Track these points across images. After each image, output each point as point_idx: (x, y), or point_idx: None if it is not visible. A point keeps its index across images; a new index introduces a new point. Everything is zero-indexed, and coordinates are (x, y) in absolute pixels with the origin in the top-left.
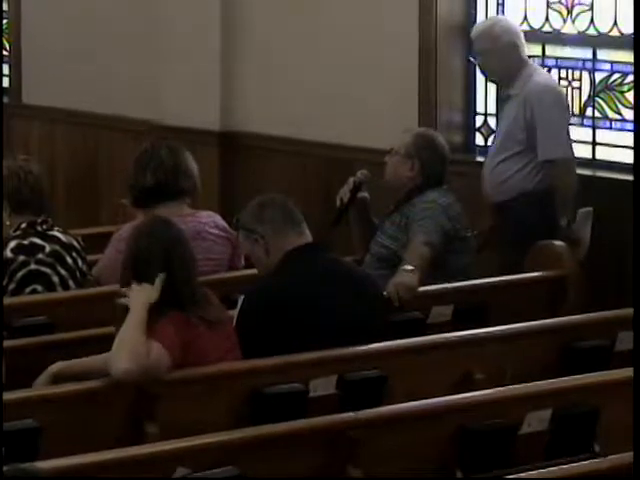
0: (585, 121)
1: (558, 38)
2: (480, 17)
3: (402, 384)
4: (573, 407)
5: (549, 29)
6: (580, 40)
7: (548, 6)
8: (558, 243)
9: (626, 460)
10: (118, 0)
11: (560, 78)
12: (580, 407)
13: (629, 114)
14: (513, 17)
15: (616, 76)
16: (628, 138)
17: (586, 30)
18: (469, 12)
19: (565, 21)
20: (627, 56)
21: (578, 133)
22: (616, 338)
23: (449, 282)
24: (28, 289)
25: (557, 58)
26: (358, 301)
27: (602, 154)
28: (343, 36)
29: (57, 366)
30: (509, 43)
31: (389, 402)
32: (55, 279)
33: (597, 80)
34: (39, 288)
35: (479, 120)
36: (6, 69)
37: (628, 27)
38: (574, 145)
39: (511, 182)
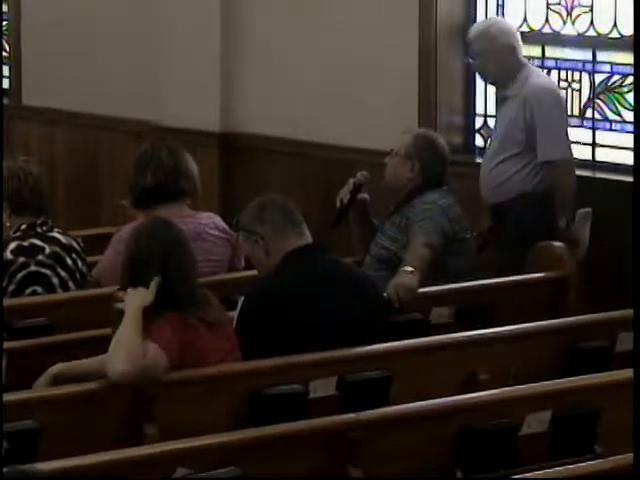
0: (585, 122)
1: (558, 39)
2: (480, 18)
3: (403, 385)
4: (573, 408)
5: (549, 30)
6: (580, 41)
7: (548, 7)
8: (558, 244)
9: (627, 461)
10: (118, 0)
11: (560, 79)
12: (580, 408)
13: (629, 115)
14: (513, 18)
15: (616, 77)
16: (628, 139)
17: (586, 31)
18: (469, 13)
19: (565, 22)
20: (627, 57)
21: (578, 134)
22: (616, 339)
23: (449, 283)
24: (28, 290)
25: (557, 59)
26: (358, 302)
27: (602, 155)
28: (343, 36)
29: (57, 368)
30: (506, 44)
31: (391, 403)
32: (55, 280)
33: (597, 81)
34: (39, 289)
35: (479, 121)
36: (6, 70)
37: (628, 28)
38: (574, 146)
39: (510, 183)
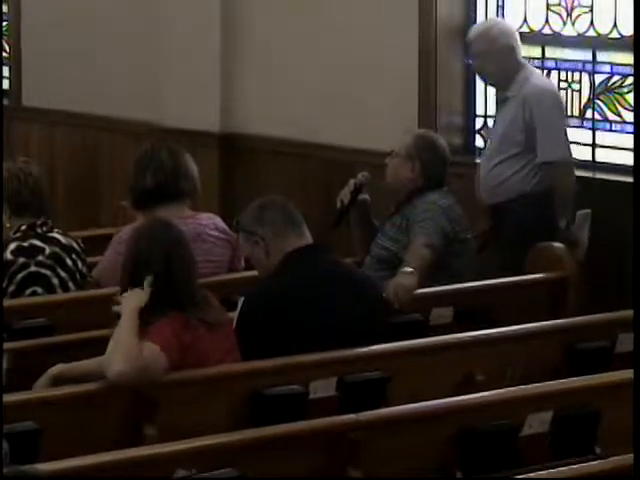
0: (585, 123)
1: (558, 40)
2: (480, 19)
3: (403, 386)
4: (574, 409)
5: (549, 31)
6: (580, 42)
7: (548, 8)
8: (558, 245)
9: (628, 461)
10: (118, 0)
11: (560, 80)
12: (581, 409)
13: (629, 116)
14: (513, 19)
15: (616, 78)
16: (628, 140)
17: (586, 32)
18: (469, 14)
19: (565, 23)
20: (627, 58)
21: (578, 135)
22: (616, 340)
23: (449, 284)
24: (28, 291)
25: (557, 60)
26: (358, 303)
27: (602, 156)
28: (343, 36)
29: (57, 369)
30: (506, 45)
31: (390, 404)
32: (55, 281)
33: (597, 82)
34: (39, 290)
35: (479, 122)
36: (6, 71)
37: (628, 29)
38: (574, 147)
39: (508, 184)
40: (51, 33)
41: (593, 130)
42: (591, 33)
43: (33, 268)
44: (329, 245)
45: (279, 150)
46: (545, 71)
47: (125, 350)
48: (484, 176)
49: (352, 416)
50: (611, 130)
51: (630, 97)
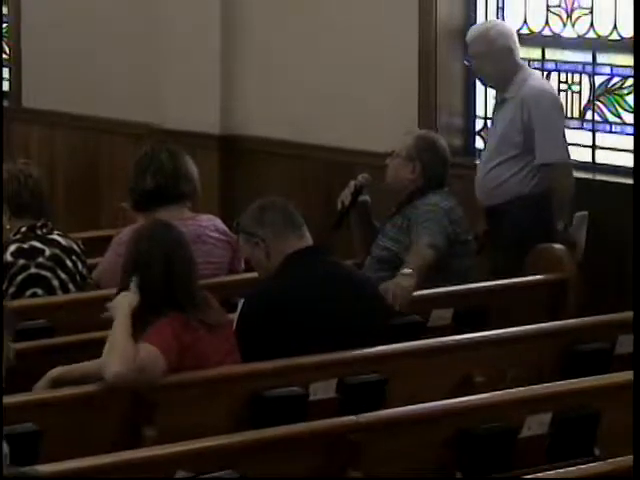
0: (585, 125)
1: (558, 42)
2: (480, 20)
3: (402, 387)
4: (573, 411)
5: (549, 33)
6: (580, 44)
7: (548, 9)
8: (558, 246)
9: (627, 463)
10: (118, 0)
11: (560, 82)
12: (580, 411)
13: (629, 118)
14: (513, 20)
15: (616, 80)
16: (628, 142)
17: (586, 34)
18: (469, 15)
19: (565, 25)
20: (627, 59)
21: (578, 137)
22: (616, 341)
23: (450, 286)
24: (28, 293)
25: (557, 62)
26: (358, 304)
27: (602, 158)
28: (343, 36)
29: (57, 371)
30: (504, 47)
31: (389, 406)
32: (55, 283)
33: (597, 84)
34: (39, 292)
35: (479, 123)
36: (6, 73)
37: (628, 30)
38: (574, 149)
39: (506, 186)
40: (51, 34)
41: (593, 132)
42: (591, 35)
43: (33, 270)
44: (329, 247)
45: (279, 152)
46: (545, 73)
47: (121, 352)
48: (482, 178)
49: (352, 418)
50: (611, 132)
51: (630, 99)
